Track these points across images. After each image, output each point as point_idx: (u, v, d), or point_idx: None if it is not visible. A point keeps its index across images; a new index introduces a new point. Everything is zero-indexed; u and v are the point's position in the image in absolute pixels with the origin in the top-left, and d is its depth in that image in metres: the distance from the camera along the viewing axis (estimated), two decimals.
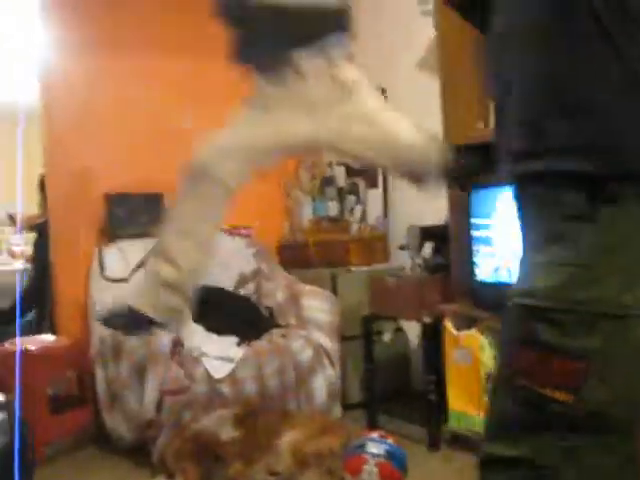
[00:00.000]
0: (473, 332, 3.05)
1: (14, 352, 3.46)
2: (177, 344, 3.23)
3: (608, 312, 1.18)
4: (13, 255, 5.36)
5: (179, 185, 2.28)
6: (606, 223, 1.17)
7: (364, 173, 4.34)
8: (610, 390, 1.20)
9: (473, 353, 3.03)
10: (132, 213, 4.03)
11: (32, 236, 5.00)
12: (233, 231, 4.26)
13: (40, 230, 4.51)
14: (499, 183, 2.92)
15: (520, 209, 1.34)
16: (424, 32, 3.64)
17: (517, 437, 1.25)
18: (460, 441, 3.17)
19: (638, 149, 1.11)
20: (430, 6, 3.43)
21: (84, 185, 3.95)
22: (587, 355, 1.18)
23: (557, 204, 1.19)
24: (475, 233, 3.07)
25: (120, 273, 3.76)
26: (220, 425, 3.04)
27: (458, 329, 3.12)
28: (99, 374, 3.51)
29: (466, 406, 3.11)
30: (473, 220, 3.07)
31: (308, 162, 4.56)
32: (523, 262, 1.33)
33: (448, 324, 3.15)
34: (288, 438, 2.94)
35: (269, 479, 2.86)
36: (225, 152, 1.91)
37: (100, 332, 3.54)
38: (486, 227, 3.02)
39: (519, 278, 1.32)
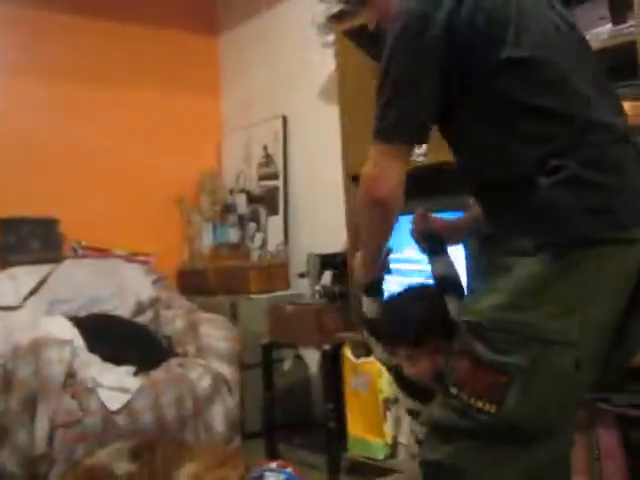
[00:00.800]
0: (371, 359, 3.09)
1: None
2: (70, 374, 3.12)
3: (537, 336, 1.31)
4: None
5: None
6: (546, 257, 1.32)
7: (265, 200, 4.36)
8: (529, 405, 1.32)
9: (371, 380, 3.07)
10: (25, 238, 3.90)
11: None
12: (131, 258, 4.18)
13: None
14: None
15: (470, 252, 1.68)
16: (325, 62, 3.70)
17: (443, 441, 1.39)
18: (359, 468, 3.19)
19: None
20: (330, 38, 3.48)
21: None
22: (513, 371, 1.31)
23: (505, 246, 1.39)
24: None
25: (10, 301, 3.61)
26: (115, 458, 2.95)
27: (357, 356, 3.16)
28: None
29: (365, 433, 3.14)
30: None
31: (209, 188, 4.54)
32: (471, 289, 1.57)
33: (347, 351, 3.18)
34: (187, 470, 2.88)
35: None
36: None
37: None
38: None
39: (468, 300, 1.52)
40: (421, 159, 3.08)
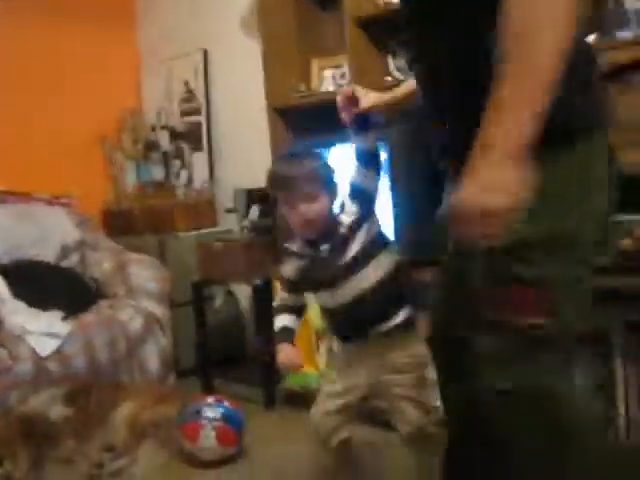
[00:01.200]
0: None
1: None
2: None
3: (566, 243, 1.31)
4: None
5: None
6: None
7: (188, 136, 4.28)
8: (577, 309, 1.35)
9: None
10: None
11: None
12: (53, 201, 4.07)
13: None
14: (323, 144, 2.98)
15: None
16: None
17: (504, 367, 1.35)
18: (295, 399, 3.25)
19: None
20: None
21: None
22: (553, 282, 1.31)
23: None
24: None
25: None
26: (50, 404, 2.93)
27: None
28: None
29: None
30: None
31: (130, 125, 4.43)
32: None
33: (277, 285, 3.19)
34: (123, 410, 2.89)
35: (104, 455, 2.81)
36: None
37: None
38: None
39: None
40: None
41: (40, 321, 3.22)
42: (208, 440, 2.68)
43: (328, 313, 2.05)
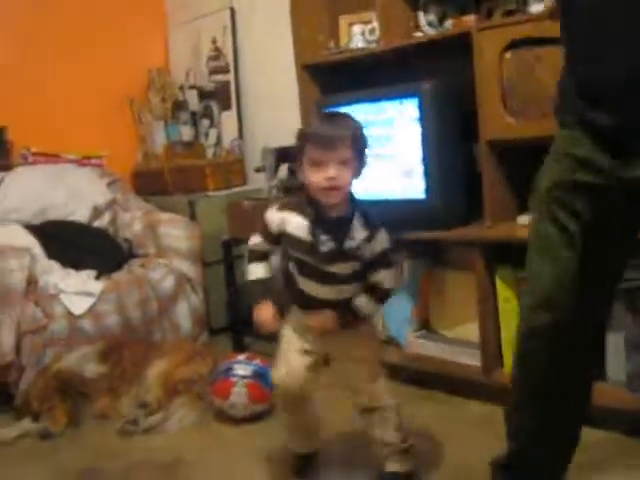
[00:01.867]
0: None
1: None
2: (32, 282, 3.11)
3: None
4: None
5: None
6: None
7: (217, 95, 4.26)
8: None
9: None
10: None
11: None
12: (84, 162, 4.10)
13: None
14: (352, 101, 2.95)
15: None
16: None
17: None
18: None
19: None
20: None
21: None
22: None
23: None
24: None
25: None
26: (84, 362, 2.99)
27: None
28: None
29: None
30: None
31: (158, 85, 4.41)
32: None
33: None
34: (155, 368, 2.93)
35: (138, 411, 2.85)
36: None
37: None
38: None
39: None
40: (373, 45, 3.02)
41: (73, 280, 3.27)
42: (239, 397, 2.71)
43: (306, 269, 2.01)
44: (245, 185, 4.03)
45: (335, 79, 3.22)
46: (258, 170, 3.51)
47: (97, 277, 3.36)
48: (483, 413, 2.61)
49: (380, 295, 2.02)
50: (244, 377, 2.75)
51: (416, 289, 3.04)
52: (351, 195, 1.98)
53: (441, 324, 3.02)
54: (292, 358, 2.09)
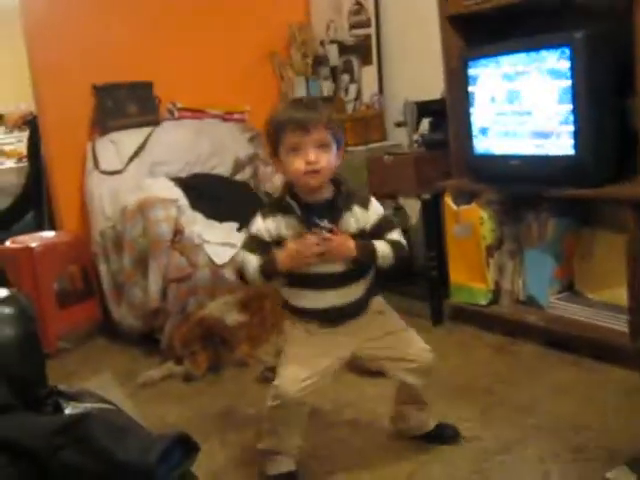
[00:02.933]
0: (473, 206, 3.04)
1: (18, 249, 3.47)
2: (178, 232, 3.22)
3: None
4: (5, 154, 5.29)
5: None
6: None
7: (357, 50, 4.22)
8: None
9: (473, 227, 3.03)
10: (122, 103, 3.94)
11: (25, 134, 4.91)
12: (226, 117, 4.19)
13: (33, 126, 4.43)
14: (498, 54, 2.84)
15: None
16: None
17: None
18: (462, 314, 3.22)
19: None
20: None
21: (71, 77, 3.83)
22: None
23: None
24: (472, 107, 3.00)
25: (114, 165, 3.71)
26: (225, 310, 3.08)
27: (458, 204, 3.11)
28: (102, 267, 3.53)
29: (467, 280, 3.14)
30: (471, 94, 2.98)
31: (299, 40, 4.42)
32: None
33: (448, 200, 3.13)
34: None
35: (276, 359, 2.91)
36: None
37: (100, 225, 3.54)
38: (484, 101, 2.94)
39: None
40: None
41: (217, 232, 3.37)
42: None
43: (312, 278, 1.94)
44: (385, 140, 3.98)
45: (480, 31, 3.10)
46: (399, 125, 3.47)
47: (239, 229, 3.44)
48: (628, 380, 2.49)
49: (396, 248, 1.94)
50: None
51: (560, 249, 2.92)
52: (334, 177, 1.94)
53: (586, 286, 2.89)
54: (310, 362, 1.97)
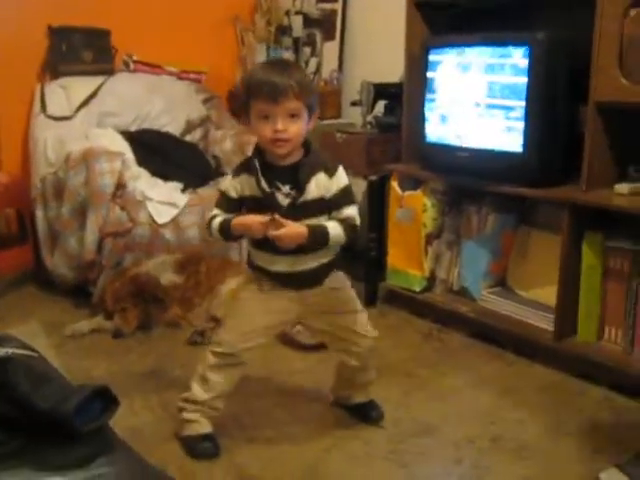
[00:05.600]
0: (418, 193, 3.07)
1: None
2: (120, 186, 3.17)
3: None
4: None
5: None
6: None
7: (322, 24, 4.20)
8: None
9: (415, 213, 3.07)
10: (77, 49, 3.84)
11: None
12: (183, 75, 4.12)
13: None
14: (460, 44, 2.86)
15: None
16: None
17: None
18: (395, 298, 3.26)
19: None
20: None
21: (26, 15, 3.72)
22: None
23: None
24: (429, 94, 3.02)
25: (63, 111, 3.63)
26: (161, 270, 3.06)
27: (403, 189, 3.14)
28: (39, 214, 3.45)
29: (404, 265, 3.18)
30: (428, 82, 3.00)
31: (264, 8, 4.37)
32: None
33: (394, 183, 3.16)
34: (229, 285, 2.98)
35: (207, 324, 2.92)
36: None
37: (42, 171, 3.46)
38: (440, 91, 2.96)
39: None
40: None
41: (160, 190, 3.32)
42: None
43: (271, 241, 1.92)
44: (339, 118, 3.98)
45: (444, 20, 3.12)
46: (354, 104, 3.47)
47: (183, 190, 3.41)
48: (548, 379, 2.57)
49: (348, 228, 1.94)
50: None
51: (497, 244, 2.98)
52: (305, 142, 1.94)
53: (518, 283, 2.96)
54: (255, 317, 2.02)
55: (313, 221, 1.92)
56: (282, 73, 1.84)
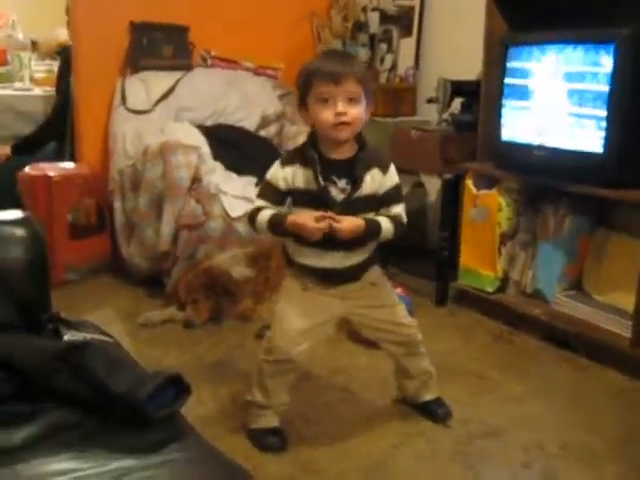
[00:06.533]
0: (493, 192, 3.03)
1: (36, 176, 3.49)
2: (196, 179, 3.23)
3: None
4: (35, 81, 5.27)
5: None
6: None
7: (399, 21, 4.17)
8: None
9: (490, 213, 3.02)
10: (157, 44, 3.92)
11: (56, 63, 4.89)
12: (259, 71, 4.16)
13: (64, 57, 4.41)
14: (541, 42, 2.80)
15: None
16: None
17: None
18: (466, 298, 3.22)
19: None
20: None
21: (109, 11, 3.81)
22: None
23: None
24: (507, 92, 2.97)
25: (142, 105, 3.71)
26: (233, 263, 3.09)
27: (478, 188, 3.10)
28: (117, 205, 3.54)
29: (477, 264, 3.13)
30: (507, 80, 2.95)
31: (341, 4, 4.37)
32: None
33: (469, 182, 3.12)
34: None
35: None
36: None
37: (120, 163, 3.55)
38: (519, 88, 2.91)
39: None
40: None
41: (234, 184, 3.37)
42: None
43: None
44: (414, 115, 3.95)
45: (525, 15, 3.05)
46: (430, 101, 3.44)
47: (257, 184, 3.43)
48: (622, 386, 2.50)
49: (398, 225, 1.95)
50: None
51: (574, 246, 2.91)
52: (359, 136, 1.92)
53: (594, 287, 2.88)
54: (303, 319, 1.99)
55: (364, 217, 1.91)
56: (342, 59, 1.88)
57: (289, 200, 1.97)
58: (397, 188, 1.96)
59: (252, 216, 1.95)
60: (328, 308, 2.04)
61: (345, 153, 1.91)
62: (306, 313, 2.00)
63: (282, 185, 1.93)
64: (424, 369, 2.24)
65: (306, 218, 1.86)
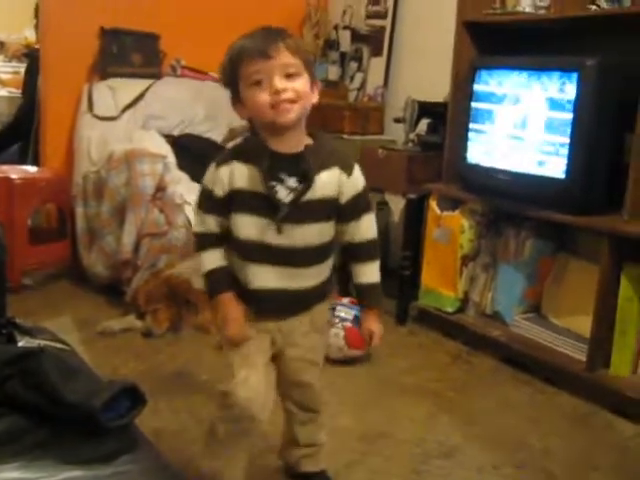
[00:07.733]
0: (456, 214, 3.06)
1: None
2: (160, 188, 3.21)
3: None
4: (1, 82, 5.22)
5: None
6: None
7: (369, 40, 4.21)
8: None
9: (453, 234, 3.05)
10: (127, 51, 3.90)
11: (23, 65, 4.85)
12: None
13: (31, 59, 4.37)
14: (508, 67, 2.84)
15: None
16: None
17: None
18: (427, 318, 3.23)
19: None
20: None
21: (80, 15, 3.79)
22: None
23: None
24: (473, 115, 3.00)
25: (109, 111, 3.68)
26: (195, 273, 3.06)
27: (442, 209, 3.12)
28: (79, 211, 3.50)
29: (438, 285, 3.15)
30: (474, 103, 2.99)
31: (313, 21, 4.40)
32: None
33: (433, 203, 3.14)
34: None
35: None
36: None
37: (84, 169, 3.51)
38: (486, 112, 2.95)
39: None
40: (542, 12, 2.87)
41: None
42: (337, 338, 2.72)
43: (263, 250, 1.58)
44: (381, 134, 3.98)
45: (493, 41, 3.11)
46: (397, 121, 3.46)
47: None
48: (578, 410, 2.52)
49: (376, 248, 1.68)
50: (344, 320, 2.76)
51: (533, 270, 2.95)
52: (311, 131, 1.60)
53: (553, 311, 2.92)
54: (255, 358, 1.65)
55: (316, 228, 1.59)
56: (268, 32, 1.55)
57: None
58: (364, 193, 1.63)
59: (196, 245, 1.68)
60: (269, 347, 1.69)
61: (294, 146, 1.56)
62: (254, 353, 1.67)
63: (218, 191, 1.57)
64: (317, 441, 1.90)
65: (236, 323, 1.61)
